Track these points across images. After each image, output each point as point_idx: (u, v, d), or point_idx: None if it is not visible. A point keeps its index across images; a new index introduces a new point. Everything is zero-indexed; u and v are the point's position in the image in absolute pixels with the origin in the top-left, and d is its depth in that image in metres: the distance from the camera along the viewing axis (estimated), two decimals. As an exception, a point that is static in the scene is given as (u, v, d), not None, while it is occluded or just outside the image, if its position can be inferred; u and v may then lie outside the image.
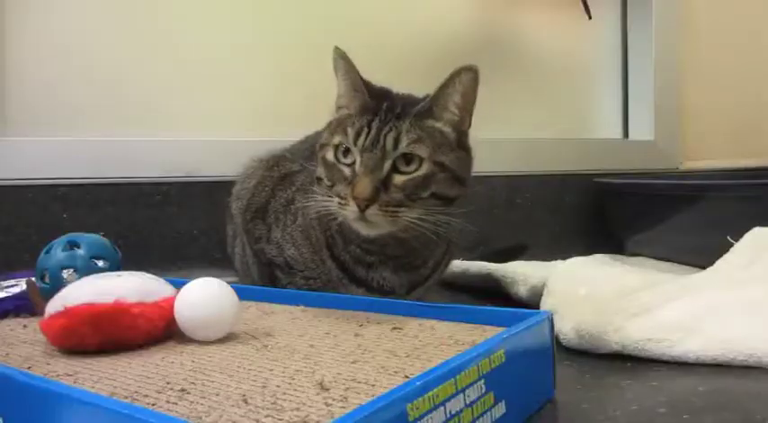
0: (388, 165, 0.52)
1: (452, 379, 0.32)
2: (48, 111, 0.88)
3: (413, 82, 1.16)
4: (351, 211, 0.51)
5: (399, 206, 0.51)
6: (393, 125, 0.52)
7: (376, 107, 0.54)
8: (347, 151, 0.53)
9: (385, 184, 0.51)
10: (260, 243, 0.65)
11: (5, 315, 0.56)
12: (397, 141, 0.52)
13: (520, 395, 0.38)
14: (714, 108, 1.29)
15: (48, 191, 0.85)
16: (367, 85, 0.56)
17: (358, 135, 0.52)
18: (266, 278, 0.66)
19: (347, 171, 0.53)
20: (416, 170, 0.52)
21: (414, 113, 0.53)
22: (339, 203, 0.52)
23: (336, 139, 0.54)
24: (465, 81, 0.54)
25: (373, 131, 0.52)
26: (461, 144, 0.56)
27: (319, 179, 0.56)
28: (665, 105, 1.23)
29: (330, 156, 0.54)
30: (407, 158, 0.52)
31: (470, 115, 0.56)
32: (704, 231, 0.80)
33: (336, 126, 0.55)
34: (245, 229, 0.68)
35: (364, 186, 0.50)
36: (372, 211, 0.50)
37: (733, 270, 0.60)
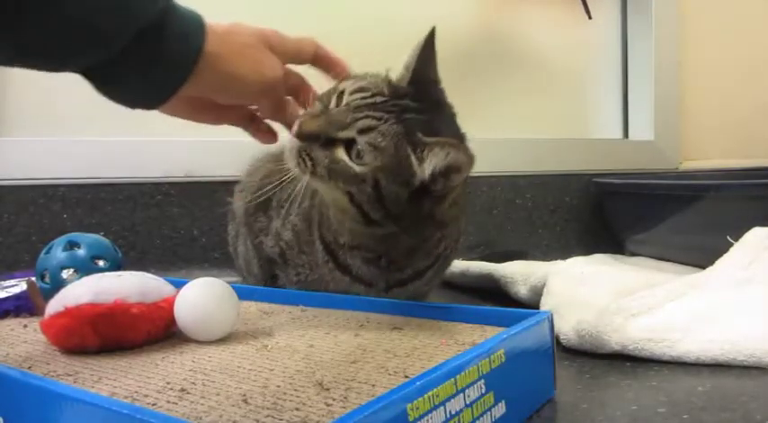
0: (344, 134, 0.48)
1: (452, 379, 0.32)
2: (48, 111, 0.88)
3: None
4: (294, 127, 0.50)
5: (312, 163, 0.49)
6: (384, 118, 0.48)
7: (399, 94, 0.50)
8: (341, 95, 0.50)
9: (327, 144, 0.49)
10: (259, 236, 0.65)
11: (5, 315, 0.56)
12: (367, 130, 0.48)
13: (520, 395, 0.38)
14: (714, 108, 1.29)
15: (48, 191, 0.85)
16: (421, 71, 0.51)
17: (358, 91, 0.50)
18: (267, 276, 0.66)
19: (330, 106, 0.50)
20: (355, 164, 0.48)
21: (407, 132, 0.48)
22: (303, 114, 0.51)
23: (350, 82, 0.51)
24: (451, 159, 0.48)
25: (368, 102, 0.49)
26: (417, 196, 0.50)
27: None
28: (665, 105, 1.23)
29: (340, 86, 0.51)
30: (359, 152, 0.48)
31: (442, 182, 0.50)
32: (704, 231, 0.80)
33: (373, 76, 0.52)
34: (245, 223, 0.68)
35: (311, 124, 0.49)
36: (294, 143, 0.49)
37: (733, 270, 0.60)
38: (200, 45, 0.43)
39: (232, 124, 0.54)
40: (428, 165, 0.48)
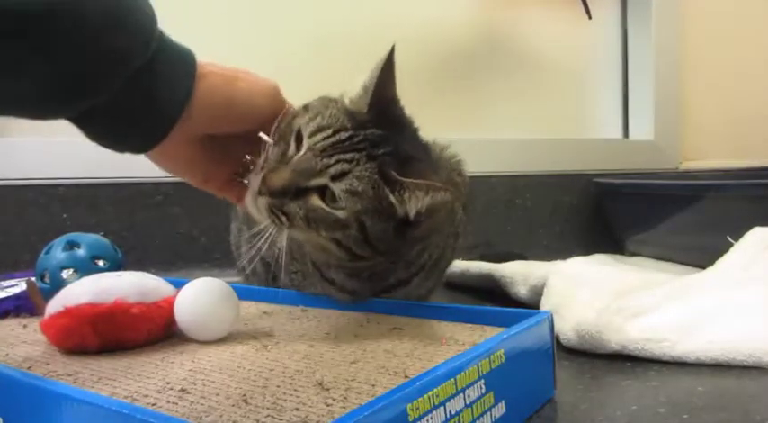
0: (315, 182, 0.45)
1: (452, 379, 0.32)
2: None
3: (412, 82, 1.17)
4: (254, 183, 0.46)
5: (287, 218, 0.45)
6: (355, 159, 0.45)
7: (362, 122, 0.47)
8: (301, 139, 0.46)
9: (299, 194, 0.45)
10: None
11: (5, 315, 0.56)
12: (341, 176, 0.45)
13: (520, 395, 0.38)
14: (714, 108, 1.29)
15: (48, 191, 0.85)
16: (381, 94, 0.48)
17: (318, 131, 0.46)
18: (269, 276, 0.66)
19: (291, 150, 0.46)
20: (335, 210, 0.45)
21: (382, 173, 0.46)
22: (260, 166, 0.47)
23: (305, 120, 0.47)
24: (437, 197, 0.45)
25: (333, 140, 0.45)
26: (400, 231, 0.48)
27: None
28: (665, 105, 1.23)
29: (295, 123, 0.47)
30: (336, 197, 0.45)
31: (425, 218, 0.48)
32: (704, 231, 0.80)
33: (325, 106, 0.48)
34: (248, 227, 0.68)
35: (279, 179, 0.45)
36: (262, 202, 0.45)
37: (733, 270, 0.60)
38: (189, 86, 0.42)
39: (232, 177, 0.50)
40: (411, 206, 0.46)
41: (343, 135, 0.45)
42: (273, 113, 0.47)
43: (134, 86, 0.39)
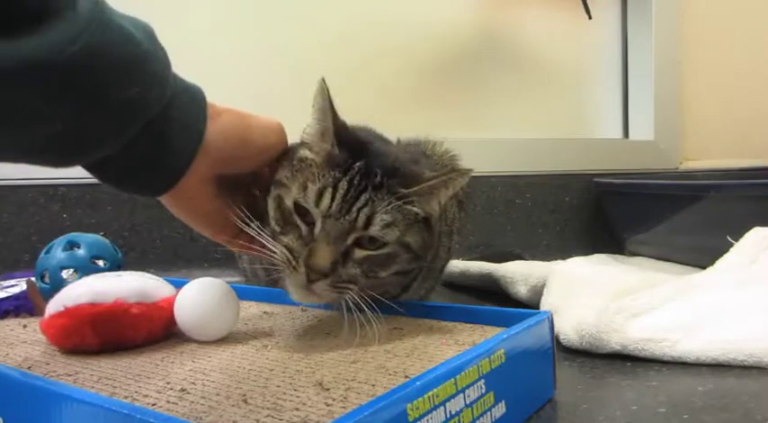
0: (352, 238, 0.45)
1: (452, 379, 0.32)
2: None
3: (412, 82, 1.17)
4: (298, 278, 0.44)
5: (351, 282, 0.45)
6: (369, 198, 0.45)
7: (346, 163, 0.46)
8: (306, 212, 0.45)
9: (344, 256, 0.45)
10: None
11: (5, 315, 0.56)
12: (369, 221, 0.45)
13: (520, 395, 0.38)
14: (714, 108, 1.29)
15: (48, 191, 0.85)
16: (340, 129, 0.47)
17: (320, 196, 0.45)
18: (270, 280, 0.65)
19: (304, 229, 0.45)
20: (380, 248, 0.46)
21: (396, 194, 0.46)
22: (287, 261, 0.44)
23: (295, 193, 0.46)
24: (457, 184, 0.48)
25: (340, 195, 0.45)
26: (429, 225, 0.50)
27: (270, 217, 0.48)
28: (665, 105, 1.23)
29: (289, 202, 0.46)
30: (376, 239, 0.46)
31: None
32: (704, 231, 0.80)
33: (298, 170, 0.47)
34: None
35: (324, 257, 0.43)
36: (321, 286, 0.44)
37: (733, 270, 0.60)
38: (201, 130, 0.41)
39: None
40: (433, 205, 0.48)
41: (344, 185, 0.45)
42: (281, 150, 0.48)
43: (147, 134, 0.39)
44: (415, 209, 0.47)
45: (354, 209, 0.45)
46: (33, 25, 0.32)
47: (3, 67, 0.31)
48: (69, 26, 0.33)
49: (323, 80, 0.47)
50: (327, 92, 0.47)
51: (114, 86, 0.35)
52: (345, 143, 0.47)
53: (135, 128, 0.38)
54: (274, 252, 0.45)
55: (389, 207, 0.46)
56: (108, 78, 0.35)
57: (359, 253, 0.46)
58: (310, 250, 0.44)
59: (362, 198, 0.45)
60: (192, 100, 0.42)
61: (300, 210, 0.46)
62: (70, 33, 0.33)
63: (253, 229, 0.46)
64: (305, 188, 0.45)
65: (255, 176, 0.49)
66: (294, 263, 0.44)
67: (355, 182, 0.46)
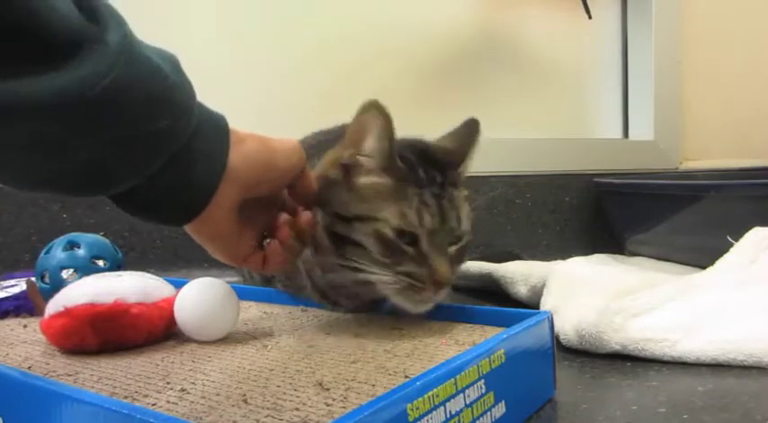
0: (461, 243, 0.50)
1: (452, 379, 0.32)
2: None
3: (412, 83, 1.17)
4: (426, 295, 0.47)
5: (453, 272, 0.49)
6: (448, 199, 0.49)
7: (413, 175, 0.48)
8: (409, 234, 0.47)
9: (451, 261, 0.48)
10: None
11: (5, 315, 0.56)
12: (459, 220, 0.49)
13: (520, 395, 0.38)
14: (714, 108, 1.29)
15: (48, 191, 0.85)
16: (396, 145, 0.49)
17: (420, 215, 0.47)
18: (264, 280, 0.65)
19: (412, 251, 0.47)
20: (461, 240, 0.50)
21: (455, 184, 0.50)
22: (411, 285, 0.46)
23: (393, 222, 0.47)
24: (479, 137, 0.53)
25: (433, 208, 0.47)
26: None
27: (358, 244, 0.48)
28: (665, 105, 1.23)
29: (390, 234, 0.47)
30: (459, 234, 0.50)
31: None
32: (704, 231, 0.80)
33: (373, 198, 0.48)
34: None
35: (446, 269, 0.47)
36: (444, 293, 0.47)
37: (733, 270, 0.60)
38: (224, 161, 0.41)
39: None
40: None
41: (429, 197, 0.48)
42: (300, 169, 0.47)
43: (172, 165, 0.39)
44: (465, 192, 0.51)
45: (447, 216, 0.48)
46: (65, 59, 0.32)
47: (35, 102, 0.31)
48: (100, 60, 0.33)
49: (377, 103, 0.46)
50: (385, 112, 0.47)
51: (142, 119, 0.35)
52: (403, 156, 0.49)
53: (161, 160, 0.38)
54: (386, 278, 0.47)
55: (460, 200, 0.50)
56: (136, 111, 0.35)
57: (452, 251, 0.49)
58: (431, 268, 0.47)
59: (445, 203, 0.48)
60: (216, 129, 0.42)
61: (404, 234, 0.47)
62: (102, 67, 0.33)
63: (348, 261, 0.48)
64: (402, 214, 0.47)
65: (268, 203, 0.48)
66: (420, 284, 0.46)
67: (433, 190, 0.48)
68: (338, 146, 0.51)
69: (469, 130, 0.54)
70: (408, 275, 0.46)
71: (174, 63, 0.39)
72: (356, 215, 0.48)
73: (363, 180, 0.49)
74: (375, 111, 0.47)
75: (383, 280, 0.47)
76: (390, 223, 0.47)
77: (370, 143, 0.48)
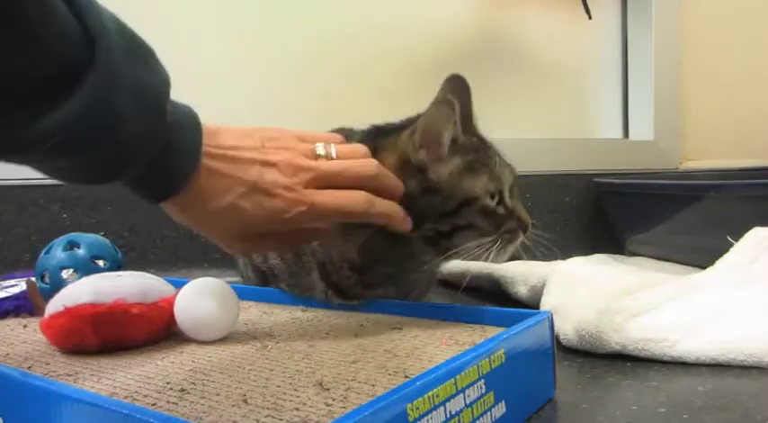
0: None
1: (452, 379, 0.32)
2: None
3: (412, 82, 1.17)
4: (518, 240, 0.53)
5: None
6: (492, 152, 0.55)
7: (467, 145, 0.53)
8: (499, 196, 0.53)
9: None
10: None
11: (5, 315, 0.56)
12: (511, 164, 0.56)
13: (520, 395, 0.38)
14: (714, 108, 1.29)
15: (48, 191, 0.85)
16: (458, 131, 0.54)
17: (499, 176, 0.53)
18: (260, 282, 0.65)
19: (501, 209, 0.52)
20: (517, 180, 0.56)
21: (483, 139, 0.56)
22: (507, 239, 0.52)
23: (492, 186, 0.52)
24: None
25: (498, 164, 0.54)
26: None
27: (467, 227, 0.51)
28: (665, 105, 1.23)
29: (491, 203, 0.52)
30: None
31: None
32: (704, 231, 0.80)
33: (462, 180, 0.51)
34: None
35: (526, 213, 0.54)
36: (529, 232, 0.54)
37: (733, 270, 0.60)
38: (197, 161, 0.42)
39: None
40: None
41: (494, 155, 0.55)
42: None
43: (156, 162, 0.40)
44: None
45: (508, 170, 0.54)
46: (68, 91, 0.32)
47: (38, 139, 0.32)
48: (92, 89, 0.33)
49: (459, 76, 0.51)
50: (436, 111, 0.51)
51: (131, 124, 0.36)
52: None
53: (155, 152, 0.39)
54: (489, 246, 0.51)
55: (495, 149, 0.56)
56: (125, 120, 0.36)
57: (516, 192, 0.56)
58: (519, 217, 0.53)
59: (496, 157, 0.54)
60: (188, 115, 0.42)
61: (493, 198, 0.52)
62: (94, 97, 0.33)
63: (451, 251, 0.52)
64: (488, 182, 0.52)
65: None
66: (511, 235, 0.53)
67: (488, 150, 0.54)
68: (390, 152, 0.52)
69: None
70: (507, 232, 0.52)
71: (148, 51, 0.39)
72: (460, 202, 0.51)
73: (443, 171, 0.51)
74: (457, 83, 0.51)
75: (486, 247, 0.51)
76: (488, 192, 0.52)
77: (439, 138, 0.51)
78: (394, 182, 0.49)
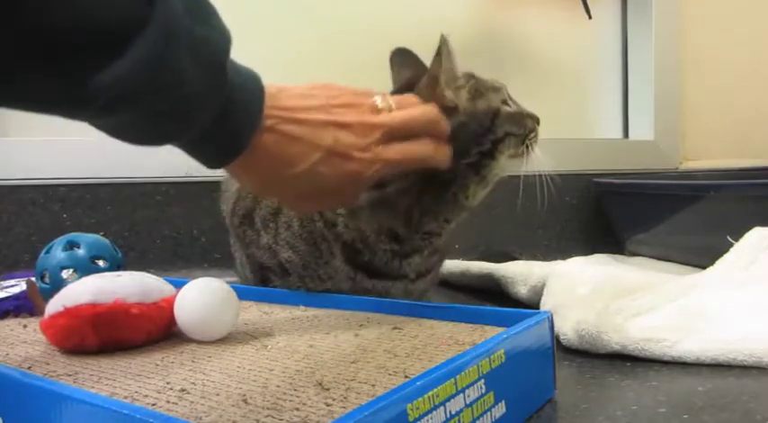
0: None
1: (452, 379, 0.32)
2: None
3: (413, 82, 1.15)
4: (537, 134, 0.61)
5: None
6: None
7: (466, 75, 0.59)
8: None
9: None
10: (250, 248, 0.64)
11: (5, 315, 0.56)
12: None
13: (520, 395, 0.38)
14: (714, 108, 1.29)
15: (48, 191, 0.85)
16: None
17: (498, 82, 0.60)
18: (259, 282, 0.65)
19: (515, 110, 0.59)
20: None
21: None
22: (531, 140, 0.60)
23: (500, 95, 0.59)
24: None
25: (485, 80, 0.60)
26: None
27: (504, 139, 0.58)
28: (665, 105, 1.23)
29: (509, 108, 0.58)
30: None
31: None
32: (704, 231, 0.80)
33: (481, 98, 0.57)
34: (235, 234, 0.68)
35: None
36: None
37: (733, 270, 0.60)
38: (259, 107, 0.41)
39: None
40: None
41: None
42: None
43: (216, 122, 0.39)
44: None
45: (492, 82, 0.60)
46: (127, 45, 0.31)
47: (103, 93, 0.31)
48: (150, 45, 0.32)
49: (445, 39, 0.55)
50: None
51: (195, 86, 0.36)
52: None
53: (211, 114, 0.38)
54: (521, 148, 0.59)
55: None
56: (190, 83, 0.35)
57: None
58: (529, 115, 0.60)
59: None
60: (249, 75, 0.43)
61: (507, 103, 0.58)
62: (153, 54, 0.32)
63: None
64: (497, 90, 0.59)
65: None
66: (536, 133, 0.61)
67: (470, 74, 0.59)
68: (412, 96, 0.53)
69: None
70: (531, 131, 0.59)
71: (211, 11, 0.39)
72: (491, 118, 0.56)
73: (464, 101, 0.56)
74: (441, 53, 0.55)
75: (521, 149, 0.59)
76: (503, 100, 0.58)
77: (455, 75, 0.56)
78: (446, 124, 0.51)
